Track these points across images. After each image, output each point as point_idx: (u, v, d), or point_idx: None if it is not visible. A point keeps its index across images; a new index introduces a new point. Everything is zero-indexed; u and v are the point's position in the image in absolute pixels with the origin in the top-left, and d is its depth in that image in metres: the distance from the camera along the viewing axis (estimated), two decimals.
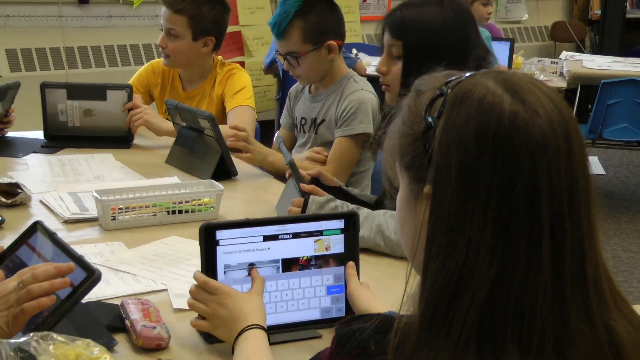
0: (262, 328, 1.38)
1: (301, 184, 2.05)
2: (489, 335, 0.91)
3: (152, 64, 3.28)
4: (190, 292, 1.46)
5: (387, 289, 1.70)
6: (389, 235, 1.88)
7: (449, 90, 0.97)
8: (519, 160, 0.91)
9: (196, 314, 1.47)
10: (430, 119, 0.97)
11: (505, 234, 0.91)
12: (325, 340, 1.51)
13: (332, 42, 2.69)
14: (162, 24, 3.08)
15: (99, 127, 2.97)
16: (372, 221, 1.92)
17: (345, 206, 1.98)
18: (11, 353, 1.24)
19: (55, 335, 1.28)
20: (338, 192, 2.11)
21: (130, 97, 2.95)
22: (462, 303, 0.91)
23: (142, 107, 2.96)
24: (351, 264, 1.56)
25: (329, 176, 2.17)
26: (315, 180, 2.14)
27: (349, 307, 1.56)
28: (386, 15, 2.06)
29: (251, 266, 1.50)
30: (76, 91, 2.97)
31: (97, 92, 2.96)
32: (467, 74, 1.00)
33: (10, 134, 3.04)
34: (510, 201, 0.91)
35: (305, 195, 2.01)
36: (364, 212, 1.94)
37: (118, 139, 2.98)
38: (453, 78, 1.00)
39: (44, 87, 2.96)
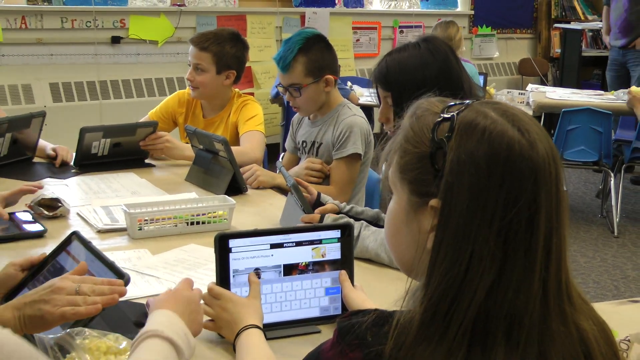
0: (258, 327, 1.37)
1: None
2: (481, 333, 0.90)
3: (178, 94, 3.27)
4: (202, 298, 1.46)
5: (378, 290, 1.69)
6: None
7: (456, 116, 0.96)
8: (524, 182, 0.91)
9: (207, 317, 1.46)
10: (438, 141, 0.95)
11: (506, 245, 0.91)
12: (324, 335, 1.50)
13: (329, 76, 2.69)
14: (190, 60, 3.08)
15: (123, 153, 2.93)
16: (377, 236, 1.92)
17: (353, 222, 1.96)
18: (53, 346, 1.23)
19: (88, 331, 1.28)
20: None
21: (154, 132, 2.93)
22: (462, 304, 0.90)
23: (164, 137, 2.93)
24: (343, 272, 1.55)
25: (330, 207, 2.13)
26: (318, 204, 2.13)
27: (345, 306, 1.55)
28: (375, 69, 2.01)
29: (256, 271, 1.49)
30: (111, 131, 2.88)
31: (129, 129, 2.92)
32: (467, 102, 0.99)
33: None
34: (513, 217, 0.90)
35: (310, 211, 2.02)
36: (371, 229, 1.95)
37: (138, 159, 2.96)
38: (452, 104, 0.99)
39: (84, 132, 2.81)
